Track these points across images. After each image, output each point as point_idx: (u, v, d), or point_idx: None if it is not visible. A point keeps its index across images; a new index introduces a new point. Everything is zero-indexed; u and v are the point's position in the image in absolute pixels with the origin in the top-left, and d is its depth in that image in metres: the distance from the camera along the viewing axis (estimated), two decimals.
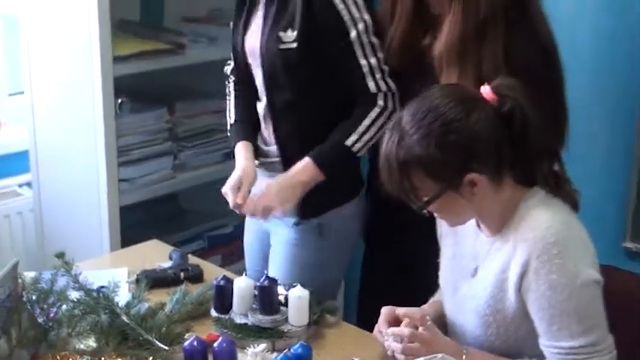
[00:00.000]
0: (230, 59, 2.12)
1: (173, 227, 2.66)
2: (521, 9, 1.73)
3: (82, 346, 1.55)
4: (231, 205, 1.95)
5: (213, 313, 1.70)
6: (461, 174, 1.43)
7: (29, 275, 1.65)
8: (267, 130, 1.99)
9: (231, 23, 2.04)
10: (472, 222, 1.59)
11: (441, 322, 1.64)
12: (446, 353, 1.49)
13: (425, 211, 1.50)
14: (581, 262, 1.44)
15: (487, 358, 1.53)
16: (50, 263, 1.69)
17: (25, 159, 2.64)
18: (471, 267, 1.58)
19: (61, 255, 1.68)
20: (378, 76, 1.86)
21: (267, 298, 1.65)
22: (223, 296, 1.68)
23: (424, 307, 1.70)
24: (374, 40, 1.86)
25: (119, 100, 2.33)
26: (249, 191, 1.92)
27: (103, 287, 1.67)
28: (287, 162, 1.93)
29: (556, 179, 1.56)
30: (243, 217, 2.87)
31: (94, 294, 1.63)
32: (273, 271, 1.94)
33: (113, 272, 1.88)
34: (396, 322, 1.58)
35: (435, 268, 1.69)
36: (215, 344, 1.48)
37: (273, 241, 2.06)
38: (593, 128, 2.33)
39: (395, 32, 1.83)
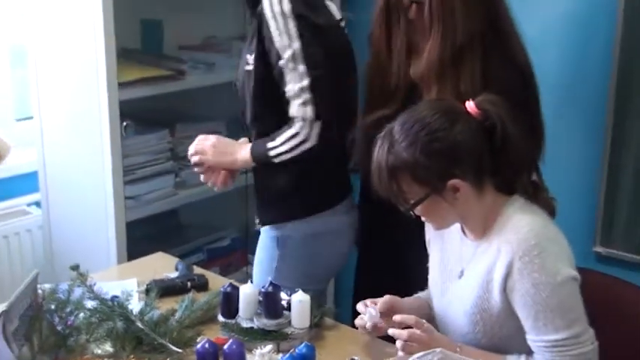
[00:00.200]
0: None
1: (174, 241, 2.65)
2: (497, 35, 1.77)
3: (99, 351, 1.55)
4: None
5: (221, 318, 1.70)
6: (444, 179, 1.46)
7: (46, 287, 1.64)
8: None
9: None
10: (457, 228, 1.62)
11: (424, 314, 1.66)
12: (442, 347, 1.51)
13: (412, 214, 1.53)
14: (560, 261, 1.47)
15: (479, 354, 1.55)
16: (60, 277, 1.71)
17: (32, 179, 2.64)
18: (457, 270, 1.61)
19: (76, 267, 1.69)
20: (298, 102, 1.83)
21: (271, 303, 1.65)
22: (230, 302, 1.69)
23: (409, 299, 1.72)
24: (301, 67, 1.82)
25: (124, 123, 2.34)
26: None
27: (115, 297, 1.69)
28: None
29: (534, 188, 1.60)
30: (240, 231, 2.91)
31: (109, 302, 1.65)
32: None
33: (123, 283, 1.88)
34: (389, 311, 1.60)
35: (427, 272, 1.72)
36: (225, 346, 1.49)
37: None
38: (564, 141, 2.37)
39: (399, 70, 1.84)
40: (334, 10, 2.02)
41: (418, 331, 1.50)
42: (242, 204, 2.76)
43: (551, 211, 1.59)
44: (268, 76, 1.87)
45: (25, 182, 2.68)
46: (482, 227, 1.55)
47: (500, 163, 1.51)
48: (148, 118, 2.51)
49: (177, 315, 1.68)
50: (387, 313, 1.61)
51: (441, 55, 1.74)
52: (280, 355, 1.53)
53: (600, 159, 2.43)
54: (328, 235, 2.01)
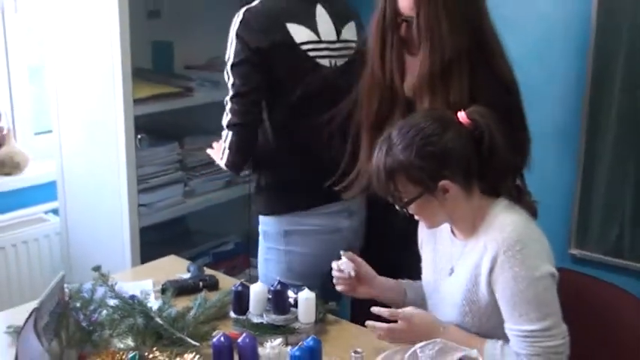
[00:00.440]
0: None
1: (182, 245, 2.66)
2: (483, 51, 1.75)
3: (121, 346, 1.56)
4: None
5: (232, 314, 1.71)
6: (435, 180, 1.49)
7: (72, 286, 1.65)
8: None
9: None
10: (448, 230, 1.64)
11: (394, 298, 1.73)
12: (424, 332, 1.55)
13: (406, 212, 1.55)
14: (539, 259, 1.48)
15: (461, 334, 1.57)
16: (77, 279, 1.71)
17: (48, 189, 2.65)
18: (447, 268, 1.63)
19: (97, 268, 1.71)
20: (225, 111, 1.95)
21: (279, 300, 1.66)
22: (241, 300, 1.69)
23: (387, 282, 1.77)
24: (230, 81, 1.92)
25: (138, 136, 2.36)
26: None
27: (134, 296, 1.70)
28: None
29: (518, 191, 1.62)
30: (242, 236, 2.93)
31: (129, 301, 1.66)
32: None
33: (140, 284, 1.89)
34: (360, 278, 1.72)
35: (421, 271, 1.74)
36: (239, 340, 1.50)
37: None
38: (541, 149, 2.39)
39: (392, 85, 1.84)
40: (302, 34, 1.97)
41: (394, 325, 1.55)
42: (244, 212, 2.77)
43: (533, 213, 1.61)
44: None
45: (42, 192, 2.68)
46: (469, 227, 1.57)
47: (487, 168, 1.54)
48: (159, 131, 2.53)
49: (193, 312, 1.69)
50: (360, 284, 1.71)
51: (431, 69, 1.73)
52: (289, 347, 1.53)
53: (575, 168, 2.44)
54: (297, 234, 2.03)
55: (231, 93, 1.93)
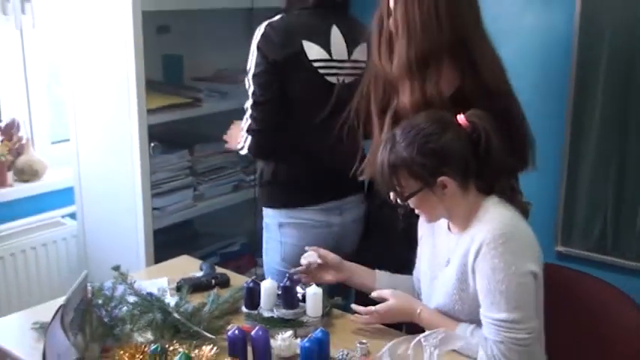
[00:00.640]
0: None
1: (192, 246, 2.66)
2: (466, 51, 1.73)
3: (141, 339, 1.57)
4: None
5: (244, 309, 1.71)
6: (435, 176, 1.52)
7: (94, 285, 1.67)
8: None
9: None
10: (445, 225, 1.66)
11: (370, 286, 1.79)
12: (401, 317, 1.65)
13: (407, 206, 1.58)
14: (519, 257, 1.49)
15: (436, 316, 1.62)
16: (93, 279, 1.70)
17: (65, 194, 2.65)
18: (445, 259, 1.64)
19: (117, 268, 1.73)
20: (246, 116, 2.03)
21: (289, 295, 1.67)
22: (253, 295, 1.70)
23: (366, 272, 1.84)
24: (251, 89, 2.00)
25: (152, 144, 2.36)
26: None
27: (151, 293, 1.70)
28: None
29: (511, 191, 1.64)
30: (248, 238, 2.94)
31: (148, 297, 1.67)
32: None
33: (156, 282, 1.90)
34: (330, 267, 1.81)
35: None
36: (252, 332, 1.51)
37: None
38: None
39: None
40: (315, 52, 2.00)
41: (377, 307, 1.64)
42: (250, 214, 2.79)
43: (524, 212, 1.63)
44: None
45: (59, 197, 2.68)
46: (464, 222, 1.59)
47: (484, 167, 1.56)
48: (171, 139, 2.53)
49: (207, 307, 1.69)
50: (332, 271, 1.78)
51: (407, 60, 1.73)
52: (298, 339, 1.56)
53: (560, 168, 2.46)
54: (291, 227, 2.08)
55: (250, 101, 2.01)
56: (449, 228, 1.65)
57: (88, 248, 2.59)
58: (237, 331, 1.52)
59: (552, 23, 2.44)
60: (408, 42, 1.72)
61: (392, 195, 1.61)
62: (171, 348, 1.45)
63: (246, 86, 2.02)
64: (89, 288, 1.61)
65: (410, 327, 1.72)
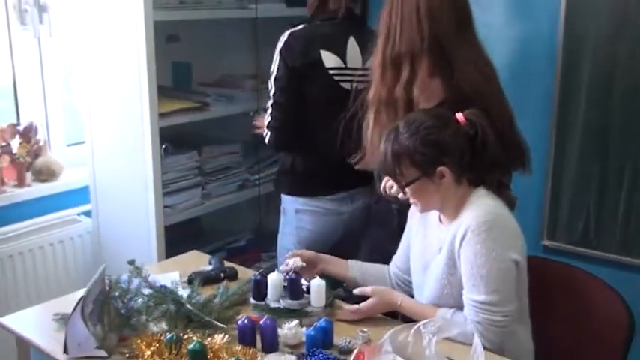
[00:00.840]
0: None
1: (200, 242, 2.61)
2: (442, 57, 1.71)
3: (156, 329, 1.57)
4: None
5: (252, 300, 1.71)
6: (435, 165, 1.54)
7: (112, 278, 1.67)
8: None
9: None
10: (436, 218, 1.67)
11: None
12: (384, 309, 1.66)
13: (405, 193, 1.59)
14: (501, 242, 1.50)
15: (416, 305, 1.64)
16: (108, 273, 1.71)
17: (81, 193, 2.65)
18: (436, 248, 1.65)
19: (132, 262, 1.72)
20: (267, 113, 2.13)
21: (294, 287, 1.67)
22: (260, 287, 1.70)
23: (345, 264, 1.86)
24: (272, 90, 2.10)
25: (163, 146, 2.36)
26: None
27: (164, 286, 1.70)
28: None
29: (499, 185, 1.66)
30: (253, 233, 2.95)
31: (162, 290, 1.67)
32: None
33: (168, 275, 1.89)
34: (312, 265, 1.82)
35: None
36: (261, 322, 1.53)
37: None
38: None
39: None
40: (331, 60, 2.08)
41: (365, 302, 1.66)
42: (255, 212, 2.82)
43: (511, 205, 1.64)
44: None
45: (75, 196, 2.68)
46: (454, 212, 1.60)
47: (478, 161, 1.58)
48: (180, 141, 2.53)
49: (217, 299, 1.70)
50: (311, 266, 1.79)
51: (382, 58, 1.76)
52: (304, 328, 1.57)
53: (546, 169, 2.48)
54: (306, 213, 2.19)
55: (271, 100, 2.11)
56: (440, 220, 1.67)
57: (103, 244, 2.59)
58: (246, 321, 1.54)
59: (538, 40, 2.46)
60: (386, 41, 1.75)
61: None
62: (185, 337, 1.46)
63: (269, 87, 2.11)
64: (107, 281, 1.61)
65: (406, 316, 1.71)
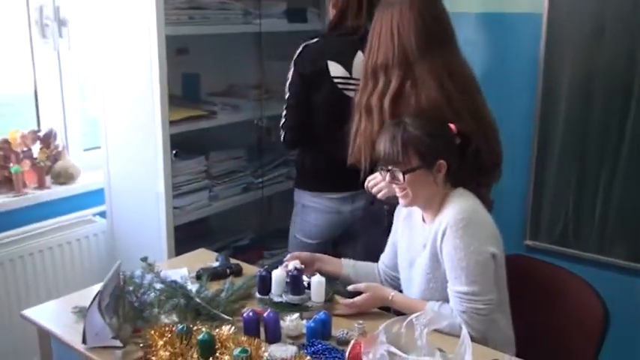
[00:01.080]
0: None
1: (207, 240, 2.63)
2: (412, 74, 1.73)
3: (167, 321, 1.58)
4: None
5: (257, 295, 1.73)
6: (437, 157, 1.57)
7: (126, 274, 1.68)
8: None
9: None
10: (420, 218, 1.69)
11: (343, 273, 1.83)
12: (376, 304, 1.66)
13: (400, 181, 1.58)
14: (478, 237, 1.53)
15: (406, 299, 1.65)
16: (122, 269, 1.72)
17: (96, 195, 2.65)
18: (421, 245, 1.67)
19: (145, 259, 1.74)
20: (282, 116, 2.23)
21: (295, 283, 1.67)
22: (264, 283, 1.71)
23: (337, 263, 1.87)
24: (286, 95, 2.20)
25: (173, 151, 2.37)
26: None
27: (174, 281, 1.72)
28: None
29: (477, 185, 1.67)
30: (256, 233, 2.96)
31: (172, 285, 1.68)
32: None
33: (178, 271, 1.91)
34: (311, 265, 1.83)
35: None
36: (264, 314, 1.54)
37: None
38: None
39: None
40: (337, 70, 2.15)
41: (359, 297, 1.66)
42: (258, 213, 2.84)
43: (487, 205, 1.66)
44: None
45: (91, 198, 2.68)
46: (435, 211, 1.62)
47: (463, 165, 1.61)
48: (189, 147, 2.54)
49: (224, 293, 1.71)
50: (308, 265, 1.79)
51: (364, 68, 1.81)
52: (304, 320, 1.58)
53: (528, 174, 2.50)
54: (310, 209, 2.29)
55: (285, 104, 2.21)
56: (423, 220, 1.68)
57: (117, 242, 2.60)
58: (251, 313, 1.55)
59: (521, 51, 2.48)
60: (369, 53, 1.79)
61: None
62: (195, 328, 1.46)
63: (285, 92, 2.21)
64: (121, 276, 1.63)
65: (397, 310, 1.72)
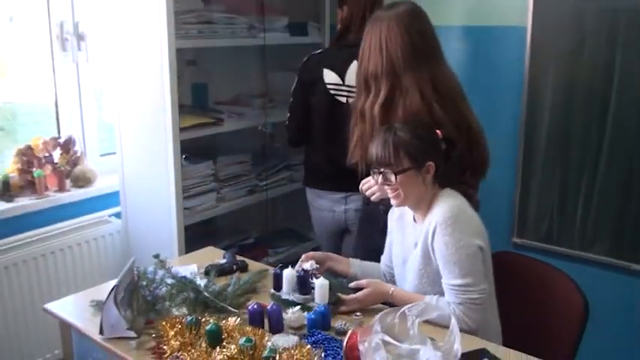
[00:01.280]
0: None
1: (215, 239, 2.63)
2: (399, 86, 1.72)
3: (177, 313, 1.58)
4: None
5: (271, 290, 1.71)
6: (425, 158, 1.57)
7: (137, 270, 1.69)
8: None
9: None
10: (411, 218, 1.69)
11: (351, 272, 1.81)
12: (378, 299, 1.64)
13: (392, 181, 1.58)
14: (466, 234, 1.53)
15: (405, 293, 1.64)
16: (136, 266, 1.72)
17: (112, 197, 2.66)
18: (412, 244, 1.67)
19: (157, 256, 1.74)
20: (286, 119, 2.34)
21: (302, 284, 1.66)
22: (278, 280, 1.70)
23: (346, 262, 1.84)
24: (290, 100, 2.31)
25: (183, 156, 2.38)
26: None
27: (184, 276, 1.71)
28: None
29: (463, 185, 1.68)
30: (261, 232, 2.96)
31: (182, 280, 1.68)
32: None
33: (187, 268, 1.90)
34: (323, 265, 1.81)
35: None
36: (268, 307, 1.54)
37: None
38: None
39: None
40: (331, 77, 2.21)
41: (361, 292, 1.64)
42: (263, 213, 2.83)
43: (474, 204, 1.66)
44: None
45: (107, 200, 2.70)
46: (425, 211, 1.63)
47: (451, 169, 1.62)
48: (198, 152, 2.55)
49: (231, 288, 1.70)
50: (321, 264, 1.77)
51: (357, 77, 1.82)
52: (305, 312, 1.58)
53: (514, 175, 2.51)
54: (312, 207, 2.39)
55: (289, 108, 2.32)
56: (414, 220, 1.69)
57: (131, 241, 2.60)
58: (255, 306, 1.55)
59: (507, 61, 2.48)
60: (361, 62, 1.79)
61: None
62: (203, 319, 1.47)
63: (290, 97, 2.32)
64: (135, 272, 1.64)
65: (393, 305, 1.73)
